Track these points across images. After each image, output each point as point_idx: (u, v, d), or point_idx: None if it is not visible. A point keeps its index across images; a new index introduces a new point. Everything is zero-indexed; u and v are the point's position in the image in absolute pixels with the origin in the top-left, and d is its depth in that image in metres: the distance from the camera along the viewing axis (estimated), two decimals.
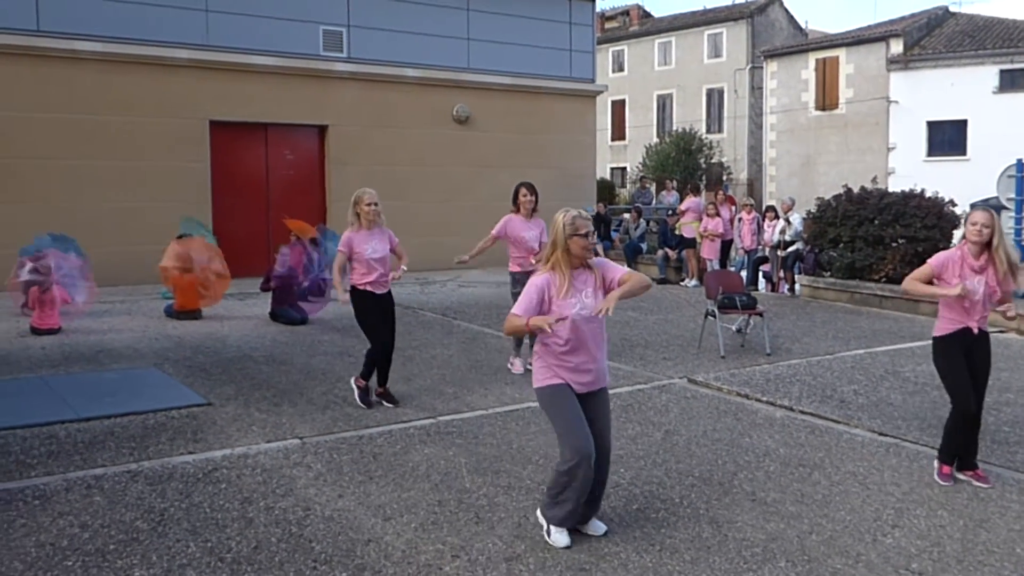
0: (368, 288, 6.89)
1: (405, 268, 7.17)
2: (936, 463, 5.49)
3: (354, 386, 7.04)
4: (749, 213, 15.73)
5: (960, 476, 5.44)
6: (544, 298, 4.30)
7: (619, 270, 4.44)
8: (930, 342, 5.54)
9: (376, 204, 6.86)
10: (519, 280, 8.07)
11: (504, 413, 6.80)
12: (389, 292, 7.08)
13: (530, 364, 8.23)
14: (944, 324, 5.40)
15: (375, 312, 6.95)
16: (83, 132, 13.90)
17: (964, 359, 5.34)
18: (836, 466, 5.67)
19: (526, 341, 8.36)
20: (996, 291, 5.30)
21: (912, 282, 5.42)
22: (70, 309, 10.10)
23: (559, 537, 4.36)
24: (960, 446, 5.40)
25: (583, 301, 4.33)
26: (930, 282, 5.38)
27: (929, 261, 5.42)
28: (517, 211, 8.12)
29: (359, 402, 6.93)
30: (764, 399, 7.36)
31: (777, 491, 5.18)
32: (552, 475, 4.43)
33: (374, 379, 7.07)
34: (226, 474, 5.34)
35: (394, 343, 7.13)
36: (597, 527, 4.55)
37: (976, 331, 5.34)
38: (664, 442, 6.13)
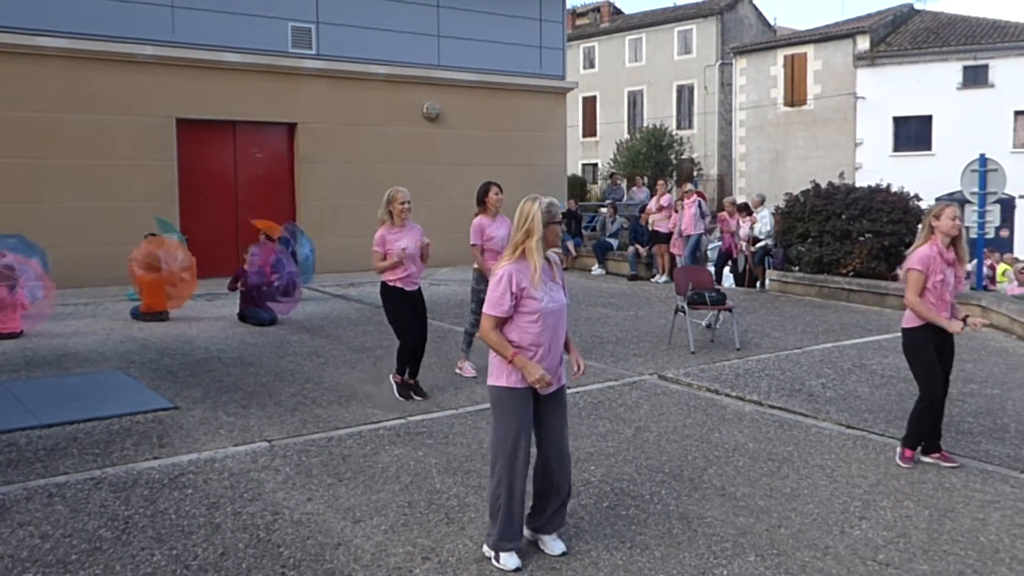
0: (399, 285, 7.10)
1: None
2: (900, 448, 5.65)
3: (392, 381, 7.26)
4: (690, 198, 15.14)
5: (927, 459, 5.62)
6: (514, 291, 4.08)
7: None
8: (897, 335, 5.63)
9: (408, 203, 7.11)
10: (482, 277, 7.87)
11: (475, 412, 6.78)
12: (419, 289, 7.30)
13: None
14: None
15: (405, 309, 7.18)
16: (46, 130, 13.67)
17: (934, 348, 5.49)
18: (804, 459, 5.70)
19: (477, 341, 8.25)
20: (961, 282, 5.50)
21: (922, 305, 5.41)
22: (30, 313, 9.94)
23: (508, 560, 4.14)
24: (923, 434, 5.59)
25: (550, 294, 4.17)
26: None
27: (916, 267, 5.40)
28: (484, 211, 7.82)
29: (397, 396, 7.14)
30: (734, 394, 7.39)
31: (746, 485, 5.21)
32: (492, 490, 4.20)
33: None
34: (192, 479, 5.27)
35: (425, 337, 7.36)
36: (555, 546, 4.29)
37: None
38: (635, 439, 6.14)
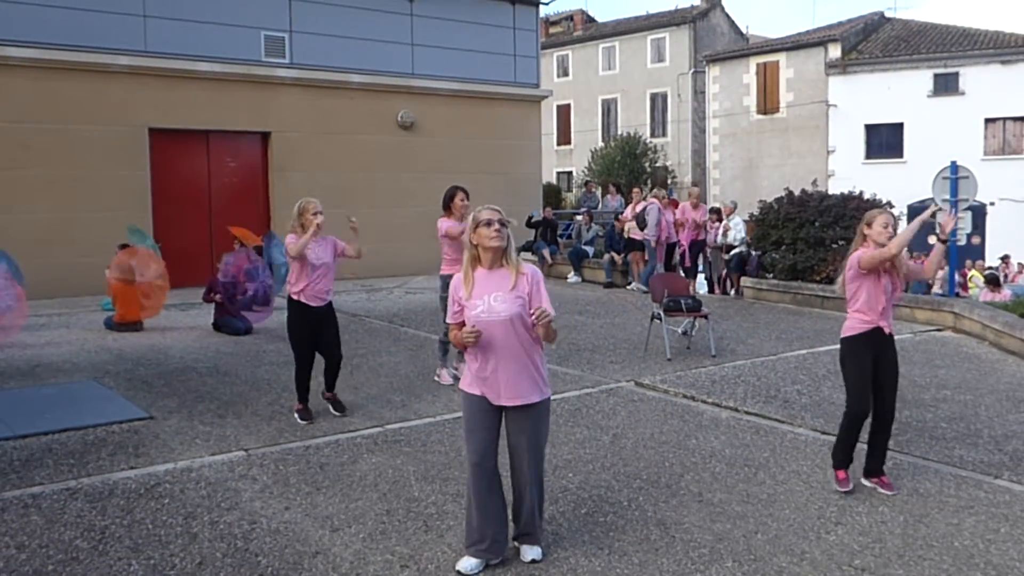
0: (302, 300, 6.69)
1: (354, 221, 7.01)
2: (833, 471, 5.37)
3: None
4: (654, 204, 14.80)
5: (866, 483, 5.38)
6: (455, 297, 4.21)
7: (546, 301, 4.11)
8: None
9: (320, 213, 6.61)
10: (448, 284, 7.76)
11: (452, 420, 6.77)
12: (329, 304, 6.85)
13: (456, 371, 8.10)
14: (856, 324, 5.34)
15: (304, 330, 6.77)
16: (18, 141, 13.53)
17: (871, 361, 5.30)
18: (781, 465, 5.75)
19: (452, 349, 8.20)
20: (899, 289, 5.42)
21: (875, 254, 5.20)
22: (1, 324, 9.79)
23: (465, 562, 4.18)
24: (848, 451, 5.36)
25: (489, 304, 4.07)
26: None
27: (861, 255, 5.29)
28: (449, 216, 7.68)
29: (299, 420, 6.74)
30: (710, 400, 7.44)
31: (723, 491, 5.24)
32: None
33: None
34: (169, 489, 5.23)
35: (339, 351, 6.98)
36: (527, 552, 4.29)
37: (886, 332, 5.34)
38: (612, 445, 6.16)
